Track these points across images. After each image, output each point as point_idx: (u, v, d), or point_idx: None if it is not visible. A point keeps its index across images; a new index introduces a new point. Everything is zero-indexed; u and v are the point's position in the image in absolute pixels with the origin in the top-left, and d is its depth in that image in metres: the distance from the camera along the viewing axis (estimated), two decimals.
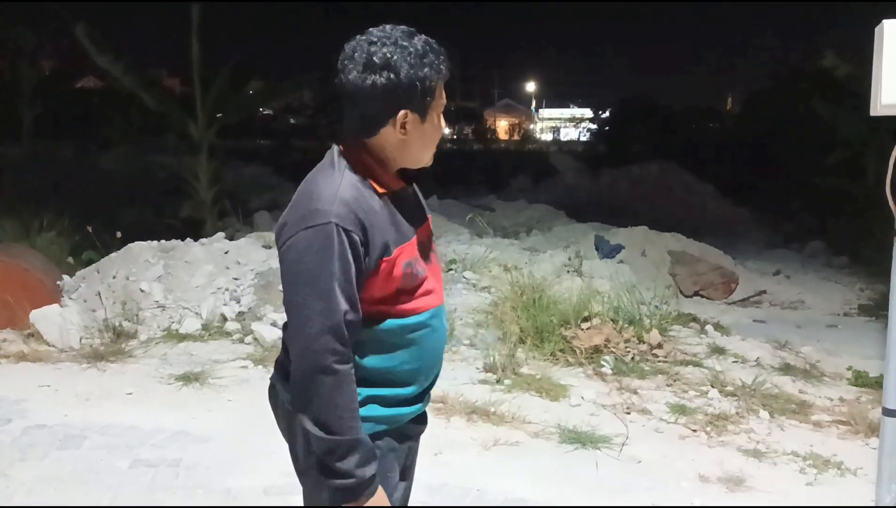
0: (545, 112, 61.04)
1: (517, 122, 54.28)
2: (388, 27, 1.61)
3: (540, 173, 18.18)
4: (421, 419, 1.86)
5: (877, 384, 4.88)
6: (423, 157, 1.70)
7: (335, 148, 1.67)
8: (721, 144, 19.03)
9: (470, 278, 6.98)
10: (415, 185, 1.80)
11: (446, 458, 3.72)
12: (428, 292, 1.71)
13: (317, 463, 1.60)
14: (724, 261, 8.73)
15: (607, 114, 30.09)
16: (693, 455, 3.84)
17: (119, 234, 6.85)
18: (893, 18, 2.09)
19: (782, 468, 3.70)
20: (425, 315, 1.71)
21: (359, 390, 1.61)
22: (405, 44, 1.58)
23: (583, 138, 39.67)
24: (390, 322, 1.66)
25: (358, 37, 1.61)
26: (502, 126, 53.86)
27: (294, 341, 1.57)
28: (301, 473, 1.74)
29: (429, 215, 1.84)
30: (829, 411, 4.49)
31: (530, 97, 63.91)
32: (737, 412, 4.37)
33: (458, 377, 4.80)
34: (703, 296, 8.18)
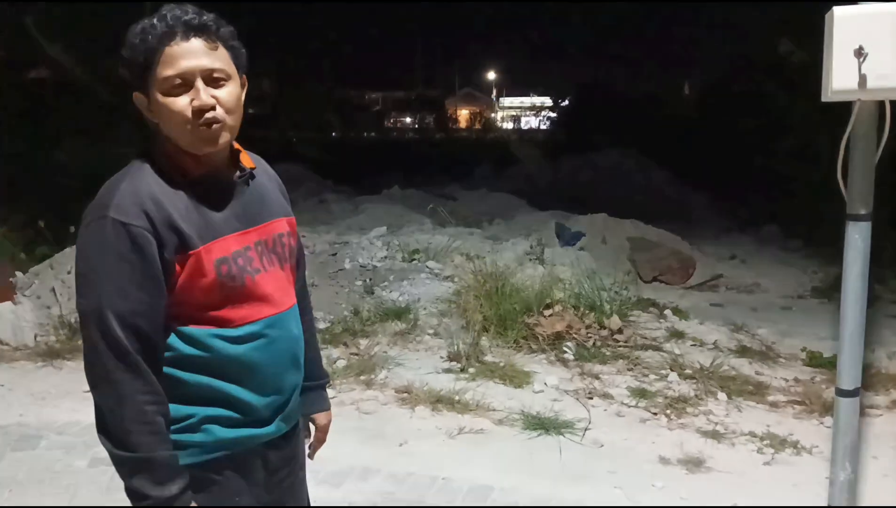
0: (506, 101, 61.16)
1: (478, 111, 54.36)
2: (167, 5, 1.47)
3: (501, 162, 18.21)
4: (279, 444, 1.66)
5: (830, 364, 5.01)
6: (182, 140, 1.47)
7: None
8: (679, 131, 19.26)
9: (433, 267, 6.98)
10: (265, 180, 1.66)
11: (411, 447, 3.73)
12: (261, 299, 1.54)
13: (126, 487, 1.46)
14: (681, 246, 8.86)
15: (567, 102, 30.23)
16: (654, 437, 3.91)
17: (73, 228, 6.69)
18: (843, 5, 2.13)
19: (740, 448, 3.78)
20: (257, 326, 1.53)
21: (194, 410, 1.50)
22: (142, 22, 1.45)
23: (543, 127, 39.84)
24: (213, 333, 1.49)
25: None
26: (463, 115, 53.91)
27: (85, 342, 1.45)
28: None
29: (283, 217, 1.66)
30: (784, 391, 4.59)
31: (491, 86, 63.97)
32: (696, 395, 4.45)
33: (422, 367, 4.81)
34: (661, 281, 8.29)
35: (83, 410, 4.09)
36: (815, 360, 5.18)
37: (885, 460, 3.66)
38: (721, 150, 16.19)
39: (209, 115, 1.45)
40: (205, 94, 1.45)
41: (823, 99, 2.19)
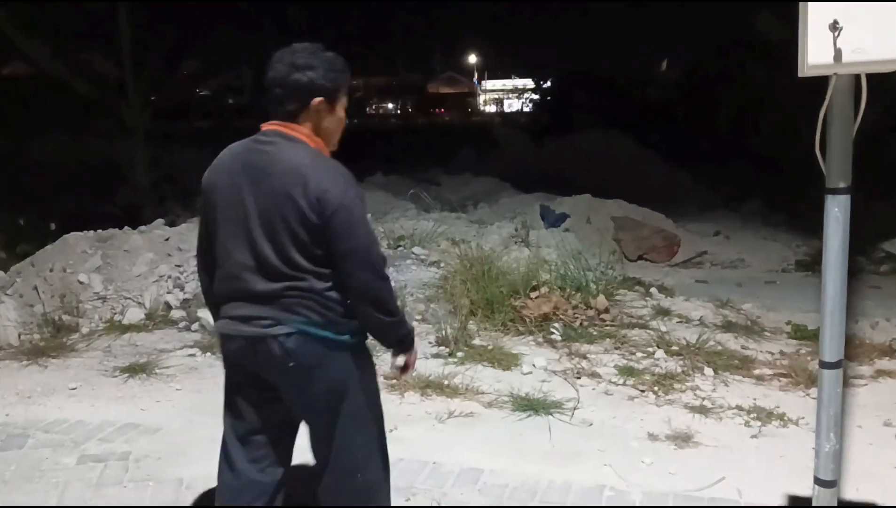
0: (488, 84, 60.96)
1: (460, 94, 54.19)
2: (307, 44, 2.20)
3: (485, 146, 18.18)
4: None
5: (815, 336, 5.03)
6: (330, 140, 2.24)
7: (279, 130, 2.16)
8: (662, 111, 19.29)
9: (419, 253, 6.97)
10: None
11: (402, 433, 3.72)
12: None
13: (394, 341, 2.28)
14: (665, 224, 8.91)
15: (549, 84, 30.17)
16: (642, 414, 3.93)
17: (53, 225, 6.63)
18: None
19: (728, 422, 3.81)
20: None
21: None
22: (322, 54, 2.19)
23: (526, 109, 39.77)
24: None
25: (288, 47, 2.18)
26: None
27: (363, 269, 2.12)
28: (337, 396, 2.20)
29: None
30: (770, 365, 4.63)
31: (473, 69, 63.70)
32: (682, 371, 4.48)
33: None
34: (646, 260, 8.35)
35: (69, 408, 4.07)
36: (799, 333, 5.23)
37: (869, 429, 3.70)
38: (704, 128, 16.25)
39: None
40: None
41: (800, 74, 2.19)
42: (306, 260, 2.09)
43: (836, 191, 2.22)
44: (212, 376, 4.54)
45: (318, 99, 2.14)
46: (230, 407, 2.34)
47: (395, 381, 4.32)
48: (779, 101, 12.08)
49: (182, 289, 5.82)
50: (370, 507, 2.34)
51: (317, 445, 2.30)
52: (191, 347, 5.02)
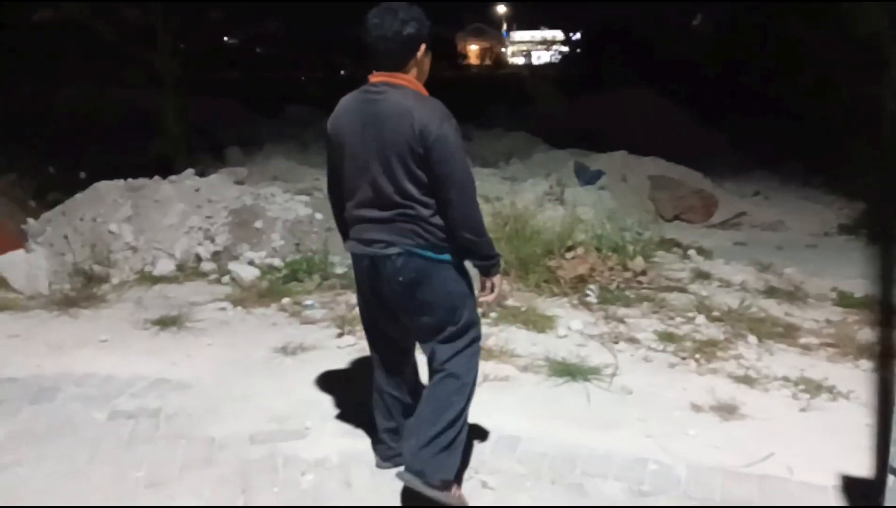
0: (516, 35, 59.71)
1: (488, 46, 53.27)
2: (394, 3, 2.49)
3: (515, 100, 17.82)
4: None
5: (862, 305, 4.87)
6: (424, 79, 2.58)
7: (386, 80, 2.48)
8: (697, 67, 18.69)
9: None
10: None
11: None
12: None
13: (481, 257, 2.59)
14: (703, 184, 8.68)
15: (578, 36, 29.37)
16: (683, 383, 3.80)
17: (83, 174, 6.57)
18: None
19: (774, 394, 3.66)
20: None
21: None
22: (414, 7, 2.50)
23: (555, 62, 38.89)
24: None
25: (380, 7, 2.47)
26: (473, 51, 52.87)
27: (465, 191, 2.46)
28: (444, 303, 2.59)
29: None
30: (816, 333, 4.46)
31: (500, 20, 62.36)
32: (725, 338, 4.33)
33: None
34: (683, 220, 8.14)
35: (100, 360, 4.03)
36: (845, 300, 5.04)
37: None
38: (739, 86, 15.73)
39: None
40: None
41: None
42: (415, 189, 2.45)
43: None
44: (243, 331, 4.48)
45: (423, 47, 2.52)
46: (368, 326, 2.80)
47: None
48: (818, 58, 11.61)
49: (213, 241, 5.75)
50: (462, 406, 2.63)
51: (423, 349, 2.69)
52: (222, 300, 4.97)
